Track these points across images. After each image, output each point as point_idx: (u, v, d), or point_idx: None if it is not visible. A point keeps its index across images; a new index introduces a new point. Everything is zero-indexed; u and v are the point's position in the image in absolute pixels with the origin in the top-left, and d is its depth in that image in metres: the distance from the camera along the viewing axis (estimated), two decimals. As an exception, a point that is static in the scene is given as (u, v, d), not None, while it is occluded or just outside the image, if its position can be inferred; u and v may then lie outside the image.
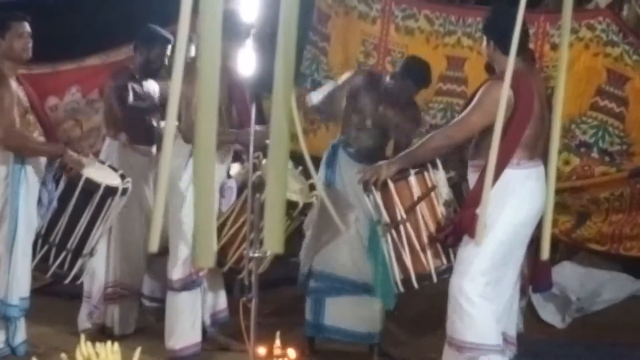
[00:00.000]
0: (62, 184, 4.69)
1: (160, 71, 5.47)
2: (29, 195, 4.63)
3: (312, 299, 5.08)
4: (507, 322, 4.12)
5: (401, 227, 4.08)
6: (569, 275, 6.20)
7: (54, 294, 5.79)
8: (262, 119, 5.08)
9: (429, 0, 6.72)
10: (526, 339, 4.48)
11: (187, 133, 4.65)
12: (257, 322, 4.06)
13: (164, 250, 4.82)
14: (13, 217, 4.60)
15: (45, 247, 4.74)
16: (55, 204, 4.70)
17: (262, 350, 3.91)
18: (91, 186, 4.66)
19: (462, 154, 4.24)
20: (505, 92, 1.68)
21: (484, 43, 4.11)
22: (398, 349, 5.37)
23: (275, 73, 1.28)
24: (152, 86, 5.47)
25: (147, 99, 5.42)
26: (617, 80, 5.93)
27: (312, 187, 4.82)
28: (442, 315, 4.08)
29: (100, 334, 5.10)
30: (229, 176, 5.14)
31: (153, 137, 5.45)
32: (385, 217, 4.12)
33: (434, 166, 4.15)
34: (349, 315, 5.02)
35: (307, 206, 4.77)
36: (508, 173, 3.84)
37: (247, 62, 4.20)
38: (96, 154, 5.33)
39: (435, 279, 4.09)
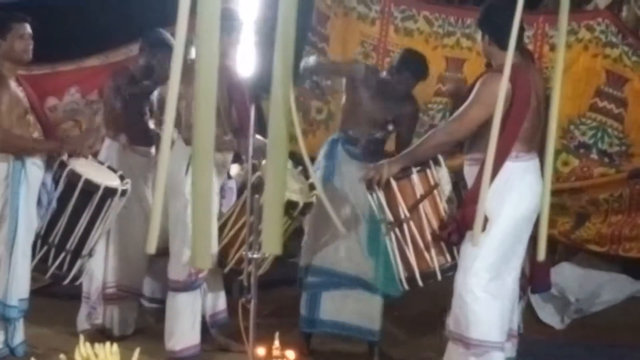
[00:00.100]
0: (61, 185, 4.68)
1: (160, 77, 5.46)
2: (29, 195, 4.63)
3: (308, 294, 5.06)
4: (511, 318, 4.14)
5: (405, 226, 4.07)
6: (568, 276, 6.20)
7: (53, 294, 5.79)
8: (262, 120, 5.08)
9: (428, 1, 6.73)
10: (525, 340, 4.48)
11: (186, 134, 4.65)
12: (256, 322, 4.06)
13: (164, 251, 4.82)
14: (13, 217, 4.60)
15: (45, 248, 4.73)
16: (54, 204, 4.70)
17: (261, 351, 3.91)
18: (90, 187, 4.66)
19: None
20: (504, 86, 1.69)
21: (479, 37, 4.12)
22: (397, 349, 5.37)
23: (274, 75, 1.28)
24: (152, 88, 5.47)
25: (145, 101, 5.42)
26: (616, 82, 5.93)
27: (312, 187, 4.82)
28: (441, 315, 4.08)
29: (100, 334, 5.10)
30: (229, 177, 5.14)
31: (152, 138, 5.45)
32: (389, 216, 4.12)
33: (437, 163, 4.15)
34: (346, 309, 5.00)
35: (308, 206, 4.77)
36: (508, 166, 3.84)
37: (246, 63, 4.20)
38: (95, 155, 5.33)
39: (439, 277, 4.08)
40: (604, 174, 5.95)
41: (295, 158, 4.97)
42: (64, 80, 6.87)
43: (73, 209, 4.68)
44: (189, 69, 1.47)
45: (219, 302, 5.19)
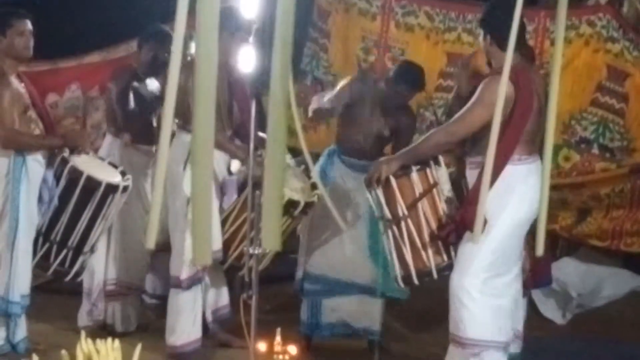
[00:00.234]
0: (62, 182, 4.68)
1: (164, 69, 5.46)
2: (29, 192, 4.63)
3: (308, 300, 5.10)
4: (515, 317, 4.13)
5: (402, 224, 4.07)
6: (569, 271, 6.21)
7: (55, 291, 5.80)
8: (263, 117, 5.07)
9: (429, -3, 6.73)
10: (526, 335, 4.48)
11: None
12: (257, 318, 4.07)
13: (165, 247, 4.82)
14: (14, 214, 4.60)
15: (47, 245, 4.74)
16: (56, 201, 4.70)
17: (262, 347, 3.92)
18: (92, 183, 4.66)
19: (458, 151, 4.24)
20: (503, 88, 1.69)
21: (481, 37, 4.11)
22: (400, 344, 5.37)
23: (272, 73, 1.28)
24: (154, 84, 5.47)
25: (149, 98, 5.42)
26: (617, 77, 5.93)
27: (314, 186, 4.83)
28: (445, 311, 4.08)
29: (101, 330, 5.11)
30: (230, 173, 5.14)
31: (154, 136, 5.44)
32: (387, 213, 4.12)
33: (436, 163, 4.15)
34: (347, 314, 5.05)
35: (309, 205, 4.77)
36: (510, 169, 3.83)
37: (247, 60, 4.20)
38: (96, 151, 5.33)
39: (435, 276, 4.09)
40: (606, 169, 5.96)
41: (296, 155, 4.99)
42: (65, 77, 6.87)
43: (75, 205, 4.68)
44: (192, 65, 1.47)
45: (222, 297, 5.18)
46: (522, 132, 3.88)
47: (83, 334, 2.74)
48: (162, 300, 5.17)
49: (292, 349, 3.91)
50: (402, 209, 4.07)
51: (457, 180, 4.29)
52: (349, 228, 4.90)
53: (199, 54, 1.30)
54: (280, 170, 1.28)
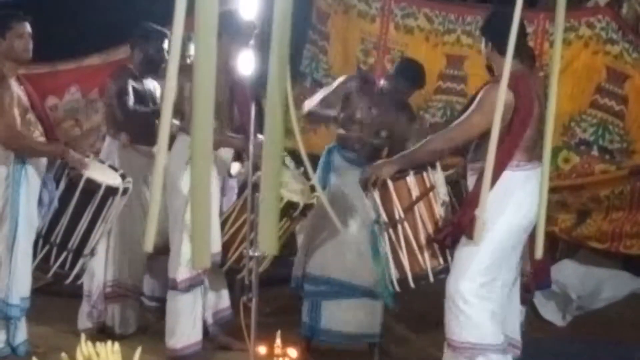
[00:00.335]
0: (62, 184, 4.69)
1: (161, 67, 5.47)
2: (29, 195, 4.63)
3: (308, 301, 5.09)
4: (509, 325, 4.11)
5: (399, 227, 4.08)
6: (569, 273, 6.21)
7: (55, 293, 5.80)
8: (263, 119, 5.07)
9: (428, -1, 6.73)
10: (526, 337, 4.48)
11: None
12: (257, 321, 4.07)
13: (165, 250, 4.82)
14: (14, 217, 4.60)
15: (47, 247, 4.73)
16: (56, 204, 4.70)
17: (262, 350, 3.92)
18: (92, 186, 4.66)
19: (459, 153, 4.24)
20: (502, 94, 1.69)
21: (483, 44, 4.11)
22: (399, 346, 5.37)
23: (269, 74, 1.28)
24: (152, 84, 5.48)
25: (148, 98, 5.43)
26: (616, 78, 5.93)
27: (313, 188, 4.82)
28: (442, 314, 4.07)
29: (101, 333, 5.11)
30: (230, 175, 5.14)
31: (154, 138, 5.44)
32: (384, 216, 4.12)
33: (433, 167, 4.16)
34: (346, 319, 5.01)
35: (308, 207, 4.77)
36: (508, 175, 3.83)
37: (248, 62, 4.21)
38: (96, 154, 5.33)
39: (432, 279, 4.09)
40: (605, 171, 5.95)
41: (296, 157, 5.00)
42: (64, 79, 6.88)
43: (74, 208, 4.68)
44: (191, 68, 1.47)
45: (222, 299, 5.18)
46: (521, 138, 3.88)
47: (83, 336, 2.74)
48: (161, 303, 5.17)
49: (292, 352, 3.91)
50: (398, 212, 4.08)
51: (457, 182, 4.30)
52: (349, 229, 4.90)
53: (198, 56, 1.31)
54: (277, 173, 1.28)
